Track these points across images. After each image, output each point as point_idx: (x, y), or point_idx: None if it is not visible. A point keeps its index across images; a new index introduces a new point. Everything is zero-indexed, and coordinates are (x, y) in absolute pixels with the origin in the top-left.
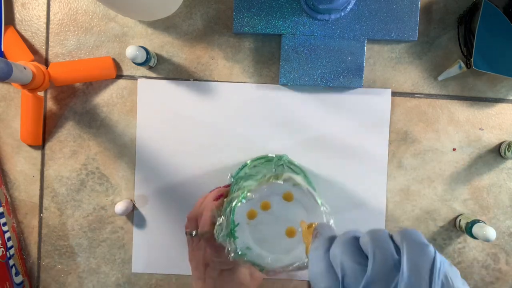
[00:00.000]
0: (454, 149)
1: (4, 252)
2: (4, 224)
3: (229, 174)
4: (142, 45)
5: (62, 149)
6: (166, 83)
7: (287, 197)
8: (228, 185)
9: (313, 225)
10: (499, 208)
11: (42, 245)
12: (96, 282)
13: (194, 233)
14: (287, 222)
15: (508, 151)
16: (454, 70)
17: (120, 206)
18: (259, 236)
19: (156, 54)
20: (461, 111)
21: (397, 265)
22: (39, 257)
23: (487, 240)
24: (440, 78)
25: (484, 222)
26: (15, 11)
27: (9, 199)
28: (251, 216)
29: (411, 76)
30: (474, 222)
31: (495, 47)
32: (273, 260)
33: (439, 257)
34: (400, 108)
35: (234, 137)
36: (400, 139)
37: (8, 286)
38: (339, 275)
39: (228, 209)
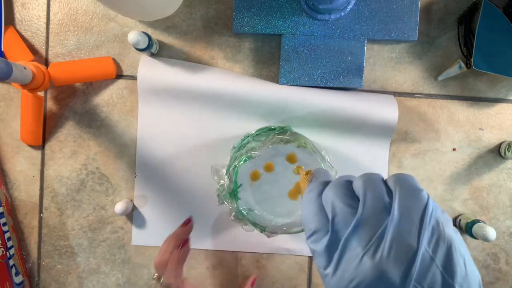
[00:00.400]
0: (454, 149)
1: (4, 252)
2: (4, 224)
3: (231, 146)
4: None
5: (62, 149)
6: (168, 61)
7: (291, 159)
8: (186, 223)
9: (311, 171)
10: (499, 208)
11: (42, 245)
12: (96, 282)
13: (161, 280)
14: (290, 184)
15: (508, 151)
16: (454, 70)
17: (120, 206)
18: (261, 198)
19: (158, 41)
20: (461, 111)
21: (388, 208)
22: (39, 257)
23: (487, 240)
24: (440, 78)
25: (484, 222)
26: (15, 11)
27: (9, 199)
28: (254, 177)
29: (411, 76)
30: (474, 222)
31: (495, 47)
32: (275, 221)
33: (432, 203)
34: (400, 108)
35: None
36: (400, 139)
37: (8, 286)
38: (329, 216)
39: (232, 168)
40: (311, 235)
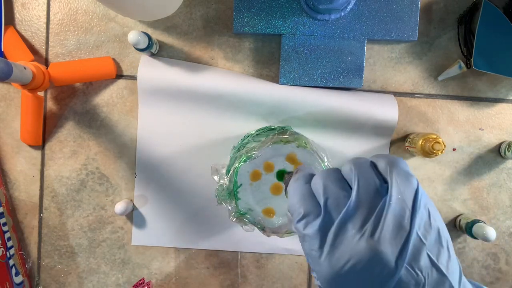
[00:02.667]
0: (454, 149)
1: (4, 252)
2: (4, 224)
3: (231, 146)
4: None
5: (62, 149)
6: (168, 61)
7: (291, 159)
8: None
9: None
10: (499, 208)
11: (42, 245)
12: (96, 282)
13: None
14: None
15: (508, 151)
16: (454, 70)
17: (120, 206)
18: (261, 198)
19: (158, 40)
20: (461, 111)
21: (380, 191)
22: (39, 257)
23: (487, 240)
24: (440, 78)
25: (484, 222)
26: (15, 11)
27: (9, 199)
28: (254, 177)
29: (411, 76)
30: (474, 222)
31: (495, 47)
32: (275, 222)
33: (421, 188)
34: (400, 108)
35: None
36: (400, 139)
37: (8, 286)
38: (322, 199)
39: (232, 168)
40: (301, 219)
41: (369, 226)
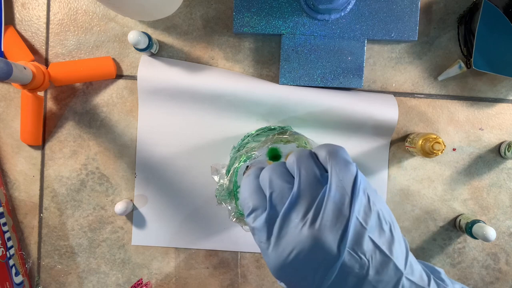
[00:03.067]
0: (454, 149)
1: (4, 252)
2: (4, 224)
3: (231, 146)
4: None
5: (62, 149)
6: (168, 61)
7: None
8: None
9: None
10: (499, 208)
11: (42, 245)
12: (96, 282)
13: None
14: None
15: (508, 151)
16: (454, 70)
17: (120, 206)
18: None
19: (158, 40)
20: (461, 111)
21: (320, 180)
22: (39, 257)
23: (487, 240)
24: (440, 78)
25: (484, 222)
26: (15, 11)
27: (9, 199)
28: None
29: (411, 76)
30: (474, 222)
31: (495, 47)
32: None
33: (360, 175)
34: (400, 108)
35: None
36: (400, 139)
37: (8, 286)
38: (267, 193)
39: (232, 168)
40: (250, 213)
41: (310, 215)
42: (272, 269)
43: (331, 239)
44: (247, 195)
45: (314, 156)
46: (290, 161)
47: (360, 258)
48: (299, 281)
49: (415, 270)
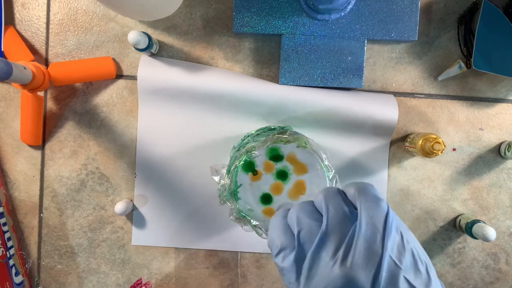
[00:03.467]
0: (454, 149)
1: (4, 252)
2: (4, 224)
3: (231, 146)
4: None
5: (62, 149)
6: (168, 61)
7: (291, 159)
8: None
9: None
10: (499, 208)
11: (42, 245)
12: (96, 282)
13: None
14: (290, 184)
15: (508, 151)
16: (454, 70)
17: (120, 206)
18: (261, 197)
19: (158, 40)
20: (461, 111)
21: (350, 217)
22: (39, 257)
23: (487, 240)
24: (440, 78)
25: (484, 222)
26: (15, 11)
27: (9, 199)
28: (254, 177)
29: (411, 76)
30: (474, 222)
31: (495, 47)
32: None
33: (391, 212)
34: (400, 108)
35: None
36: (400, 139)
37: (8, 286)
38: (295, 231)
39: (232, 168)
40: (278, 253)
41: (341, 253)
42: None
43: (363, 278)
44: (274, 235)
45: (342, 193)
46: (318, 199)
47: None
48: None
49: None
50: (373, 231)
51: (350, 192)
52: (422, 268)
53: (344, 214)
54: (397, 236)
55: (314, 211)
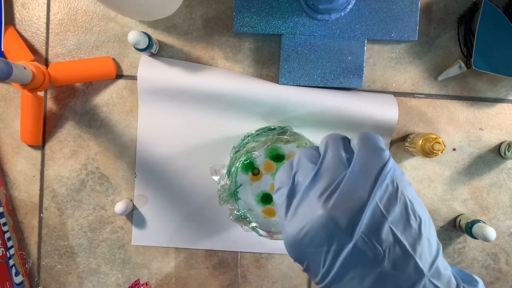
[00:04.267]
0: (454, 149)
1: (4, 252)
2: (4, 224)
3: (231, 146)
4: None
5: (62, 149)
6: (168, 61)
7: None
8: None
9: None
10: (499, 208)
11: (42, 245)
12: (96, 282)
13: None
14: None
15: (508, 151)
16: (454, 70)
17: (120, 206)
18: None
19: (158, 40)
20: (461, 111)
21: (345, 163)
22: (39, 257)
23: (487, 240)
24: (440, 78)
25: (484, 222)
26: (15, 11)
27: (9, 199)
28: (254, 177)
29: (411, 76)
30: (474, 222)
31: (495, 47)
32: (275, 221)
33: (392, 163)
34: (400, 108)
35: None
36: (400, 139)
37: (8, 286)
38: (293, 171)
39: (233, 169)
40: (277, 190)
41: (326, 193)
42: (286, 244)
43: (343, 219)
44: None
45: (346, 140)
46: (321, 143)
47: (375, 247)
48: (310, 260)
49: (443, 275)
50: (364, 178)
51: (354, 141)
52: (414, 223)
53: (340, 159)
54: (391, 186)
55: (315, 155)
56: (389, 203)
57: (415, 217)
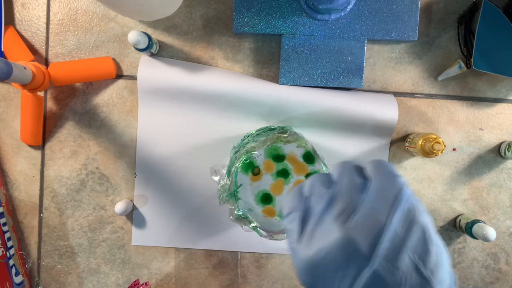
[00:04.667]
0: (454, 149)
1: (4, 252)
2: (4, 224)
3: (231, 146)
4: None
5: (62, 149)
6: (168, 61)
7: (291, 159)
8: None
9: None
10: (499, 208)
11: (42, 245)
12: (96, 282)
13: None
14: (290, 184)
15: (508, 151)
16: (454, 70)
17: (120, 206)
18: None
19: (158, 41)
20: (461, 111)
21: (361, 189)
22: (39, 257)
23: (487, 240)
24: (440, 78)
25: (484, 222)
26: (15, 11)
27: (9, 199)
28: (254, 177)
29: (411, 76)
30: (474, 222)
31: (495, 47)
32: (275, 221)
33: (408, 190)
34: (400, 108)
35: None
36: (400, 139)
37: (8, 286)
38: (306, 195)
39: (233, 169)
40: (288, 215)
41: (344, 214)
42: (299, 270)
43: (363, 241)
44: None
45: (359, 168)
46: (334, 171)
47: (394, 273)
48: (325, 285)
49: None
50: (382, 202)
51: (368, 168)
52: (432, 250)
53: (355, 184)
54: (408, 212)
55: (329, 181)
56: (408, 228)
57: (432, 244)
